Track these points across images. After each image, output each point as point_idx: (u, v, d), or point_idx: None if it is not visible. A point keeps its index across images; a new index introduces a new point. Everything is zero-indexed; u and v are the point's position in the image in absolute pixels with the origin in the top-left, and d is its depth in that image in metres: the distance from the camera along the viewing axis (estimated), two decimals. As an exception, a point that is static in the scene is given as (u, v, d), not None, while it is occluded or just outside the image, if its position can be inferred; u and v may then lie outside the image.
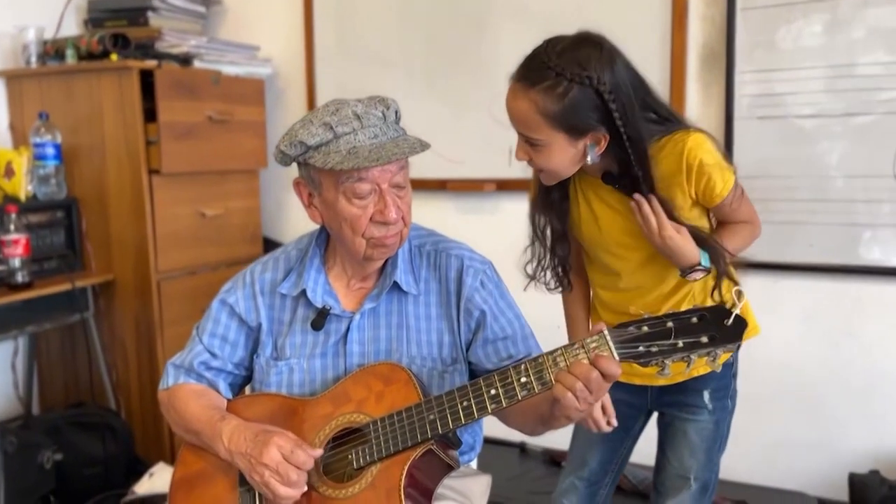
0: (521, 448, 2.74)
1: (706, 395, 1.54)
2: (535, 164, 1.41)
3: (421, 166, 2.86)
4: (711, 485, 1.59)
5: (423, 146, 1.31)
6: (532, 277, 1.57)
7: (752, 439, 2.49)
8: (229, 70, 2.89)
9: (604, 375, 1.12)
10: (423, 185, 2.86)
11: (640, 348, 1.12)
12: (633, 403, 1.61)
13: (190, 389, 1.44)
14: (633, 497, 2.35)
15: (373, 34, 2.97)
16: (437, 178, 2.86)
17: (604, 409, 1.42)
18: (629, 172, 1.37)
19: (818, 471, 2.45)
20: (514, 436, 2.76)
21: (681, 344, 1.11)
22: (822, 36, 2.29)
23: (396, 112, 1.36)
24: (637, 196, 1.37)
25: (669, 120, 1.40)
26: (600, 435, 1.47)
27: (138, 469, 2.49)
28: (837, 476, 2.38)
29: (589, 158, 1.36)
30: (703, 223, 1.46)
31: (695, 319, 1.12)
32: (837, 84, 2.29)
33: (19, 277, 2.37)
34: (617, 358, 1.13)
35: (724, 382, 1.56)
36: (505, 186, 2.75)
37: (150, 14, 2.80)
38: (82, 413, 2.50)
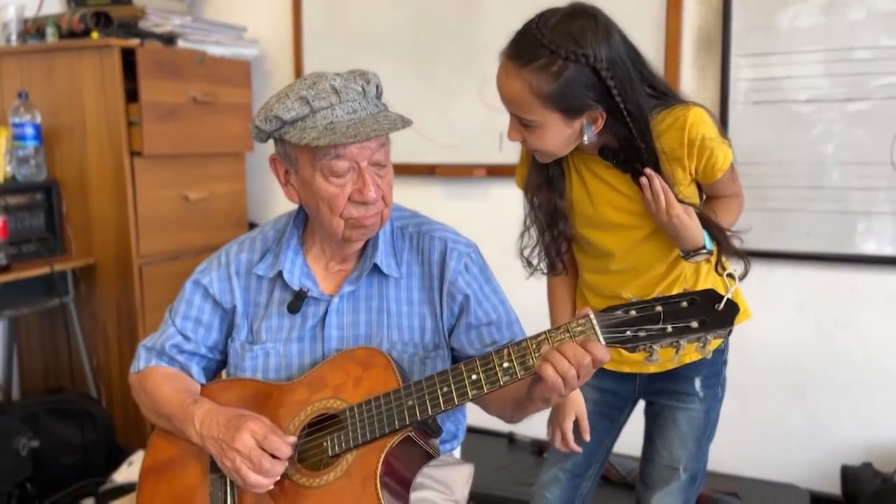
0: (510, 438, 2.70)
1: (697, 383, 1.49)
2: (528, 144, 1.35)
3: (410, 151, 2.85)
4: (700, 475, 1.54)
5: (405, 122, 1.25)
6: (530, 265, 1.51)
7: (743, 430, 2.45)
8: (215, 51, 2.83)
9: (593, 361, 1.08)
10: (411, 171, 2.82)
11: (628, 333, 1.08)
12: (620, 393, 1.57)
13: (162, 372, 1.39)
14: (621, 488, 2.31)
15: (362, 16, 2.91)
16: (426, 163, 2.81)
17: (578, 424, 1.39)
18: (631, 146, 1.31)
19: (810, 463, 2.41)
20: (502, 426, 2.73)
21: (670, 329, 1.07)
22: (820, 19, 2.24)
23: (377, 87, 1.31)
24: (648, 171, 1.31)
25: (666, 94, 1.35)
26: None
27: (119, 457, 2.44)
28: (830, 468, 2.34)
29: (585, 138, 1.31)
30: (696, 200, 1.41)
31: (685, 304, 1.07)
32: (835, 68, 2.24)
33: (-3, 260, 2.32)
34: (603, 343, 1.08)
35: (715, 369, 1.52)
36: (495, 172, 2.69)
37: (133, -8, 2.74)
38: (61, 399, 2.44)
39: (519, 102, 1.28)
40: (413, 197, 2.86)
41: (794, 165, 2.32)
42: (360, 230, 1.30)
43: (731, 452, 2.37)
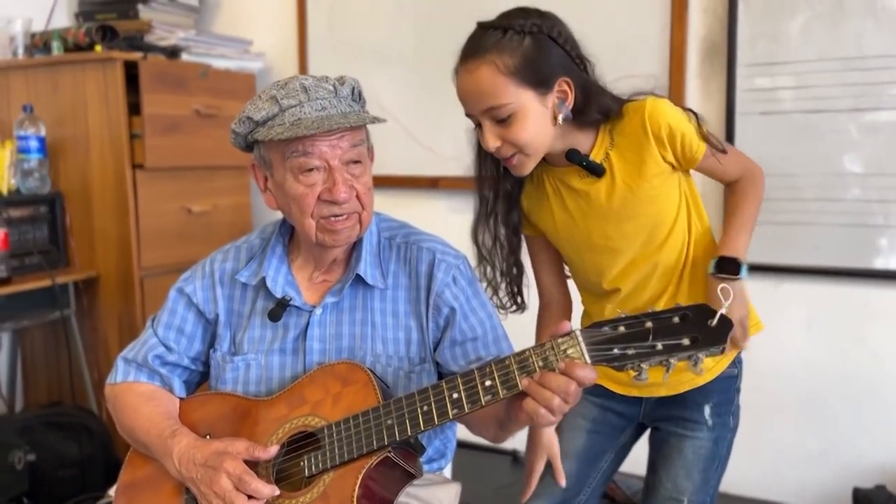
0: (514, 456, 2.65)
1: (707, 410, 1.41)
2: (509, 143, 1.28)
3: (413, 163, 2.83)
4: None
5: (375, 119, 1.25)
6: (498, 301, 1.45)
7: (751, 450, 2.38)
8: (219, 64, 2.83)
9: (580, 384, 1.03)
10: (414, 183, 2.80)
11: (615, 351, 1.03)
12: (624, 413, 1.49)
13: (139, 392, 1.36)
14: (624, 509, 2.26)
15: (366, 29, 2.90)
16: (429, 175, 2.78)
17: (552, 465, 1.35)
18: (596, 103, 1.30)
19: (820, 484, 2.33)
20: (506, 443, 2.70)
21: (660, 346, 1.01)
22: (829, 26, 2.19)
23: (354, 89, 1.29)
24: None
25: (614, 96, 1.34)
26: (580, 446, 1.38)
27: (116, 472, 2.40)
28: (841, 490, 2.27)
29: (561, 116, 1.27)
30: (674, 196, 1.36)
31: (676, 319, 1.02)
32: (844, 77, 2.18)
33: (-3, 272, 2.32)
34: (589, 361, 1.03)
35: (727, 397, 1.43)
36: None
37: (140, 7, 2.75)
38: (58, 413, 2.44)
39: (489, 90, 1.24)
40: (416, 210, 2.83)
41: (803, 177, 2.26)
42: (332, 234, 1.26)
43: (737, 473, 2.29)
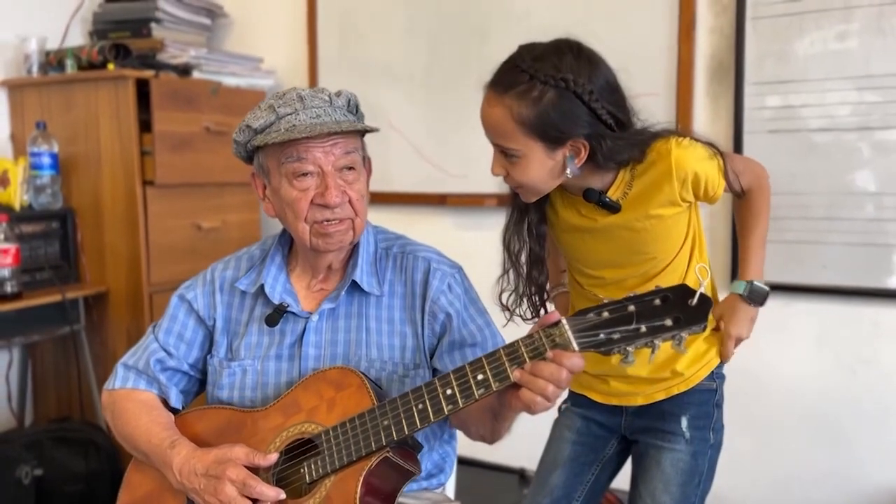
0: (521, 474, 2.63)
1: (684, 422, 1.42)
2: (511, 179, 1.31)
3: (420, 180, 2.84)
4: None
5: (369, 128, 1.29)
6: (507, 308, 1.45)
7: (761, 471, 2.36)
8: (230, 81, 2.86)
9: (570, 371, 1.07)
10: (422, 200, 2.81)
11: (601, 336, 1.06)
12: (606, 424, 1.50)
13: (139, 400, 1.37)
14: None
15: (376, 47, 2.92)
16: (437, 192, 2.79)
17: None
18: (613, 158, 1.27)
19: (831, 507, 2.31)
20: (513, 461, 2.69)
21: (643, 328, 1.05)
22: (837, 45, 2.19)
23: (350, 101, 1.33)
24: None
25: (643, 129, 1.31)
26: (566, 457, 1.38)
27: (123, 487, 2.43)
28: (852, 512, 2.24)
29: (569, 171, 1.27)
30: (681, 228, 1.37)
31: (657, 301, 1.05)
32: (853, 96, 2.18)
33: (8, 288, 2.34)
34: (577, 349, 1.06)
35: (705, 410, 1.44)
36: (506, 202, 2.65)
37: (153, 26, 2.79)
38: (66, 428, 2.44)
39: (500, 131, 1.25)
40: (423, 226, 2.84)
41: (811, 196, 2.25)
42: (325, 238, 1.29)
43: (747, 494, 2.28)
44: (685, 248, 1.37)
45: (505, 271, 1.44)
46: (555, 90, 1.20)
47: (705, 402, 1.43)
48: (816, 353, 2.31)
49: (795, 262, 2.27)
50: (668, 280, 1.36)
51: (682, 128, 2.31)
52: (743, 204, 1.43)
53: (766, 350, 2.31)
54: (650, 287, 1.33)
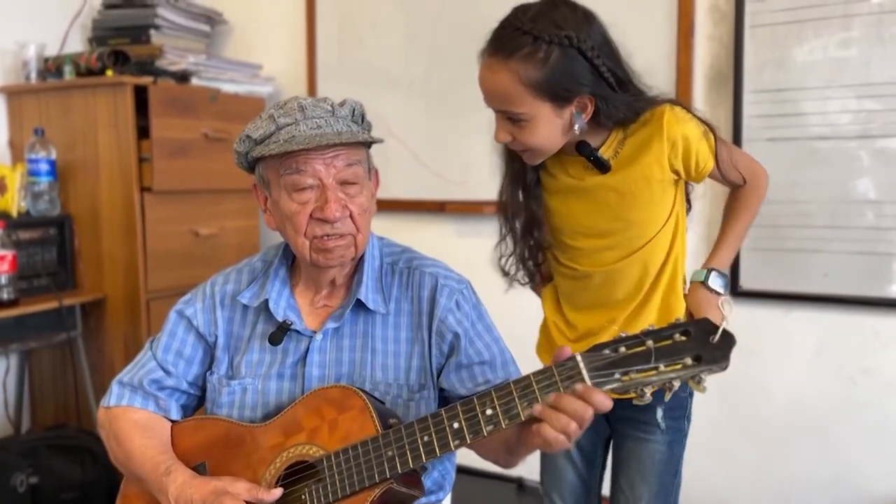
0: (519, 484, 2.61)
1: (659, 413, 1.42)
2: (518, 143, 1.29)
3: (420, 187, 2.83)
4: None
5: (371, 138, 1.25)
6: (507, 274, 1.47)
7: (762, 480, 2.34)
8: (229, 88, 2.86)
9: (596, 410, 1.02)
10: (421, 207, 2.80)
11: (616, 375, 1.01)
12: (594, 427, 1.50)
13: (134, 421, 1.33)
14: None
15: (375, 54, 2.92)
16: (437, 199, 2.78)
17: None
18: (614, 116, 1.28)
19: (831, 516, 2.29)
20: (512, 470, 2.66)
21: (663, 367, 0.99)
22: (836, 53, 2.18)
23: (354, 110, 1.29)
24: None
25: (642, 92, 1.33)
26: (568, 471, 1.37)
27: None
28: (853, 523, 2.23)
29: (577, 127, 1.27)
30: (666, 205, 1.37)
31: (678, 336, 1.00)
32: (853, 104, 2.17)
33: (4, 294, 2.33)
34: (590, 383, 1.01)
35: (679, 401, 1.44)
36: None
37: (152, 32, 2.78)
38: (62, 435, 2.43)
39: (507, 96, 1.24)
40: (423, 234, 2.84)
41: (811, 204, 2.24)
42: (325, 254, 1.25)
43: (747, 502, 2.26)
44: (667, 229, 1.37)
45: (503, 237, 1.45)
46: (559, 48, 1.20)
47: (679, 391, 1.43)
48: (817, 361, 2.30)
49: (796, 270, 2.26)
50: (645, 259, 1.36)
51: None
52: (734, 195, 1.44)
53: (767, 359, 2.30)
54: (628, 264, 1.34)
